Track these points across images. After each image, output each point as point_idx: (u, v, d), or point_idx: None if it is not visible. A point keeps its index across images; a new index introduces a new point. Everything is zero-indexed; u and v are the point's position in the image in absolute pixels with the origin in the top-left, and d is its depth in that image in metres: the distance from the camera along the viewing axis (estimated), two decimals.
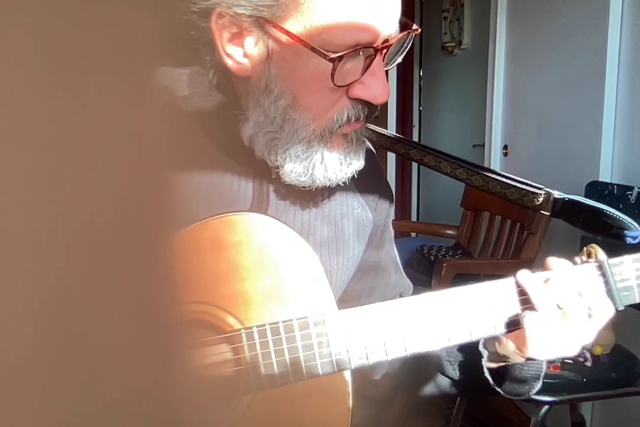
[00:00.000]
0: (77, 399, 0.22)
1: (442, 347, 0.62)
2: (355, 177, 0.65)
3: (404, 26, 0.60)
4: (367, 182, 0.74)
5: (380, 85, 0.59)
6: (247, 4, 0.55)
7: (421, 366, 0.74)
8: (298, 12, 0.55)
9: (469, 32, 3.27)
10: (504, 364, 0.68)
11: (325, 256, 0.70)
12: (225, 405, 0.59)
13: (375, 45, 0.57)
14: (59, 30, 0.20)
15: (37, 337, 0.21)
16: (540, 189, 0.69)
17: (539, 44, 2.23)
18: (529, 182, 0.70)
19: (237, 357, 0.59)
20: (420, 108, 4.02)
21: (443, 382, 0.74)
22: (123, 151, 0.23)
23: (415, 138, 3.93)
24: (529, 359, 0.64)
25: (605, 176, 1.87)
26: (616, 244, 0.64)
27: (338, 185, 0.64)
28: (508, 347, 0.64)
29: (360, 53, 0.57)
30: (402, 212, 3.96)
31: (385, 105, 3.37)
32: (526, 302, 0.61)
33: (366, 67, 0.58)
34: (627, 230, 0.64)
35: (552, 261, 0.62)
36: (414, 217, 4.09)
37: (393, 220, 0.83)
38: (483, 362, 0.67)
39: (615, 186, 1.73)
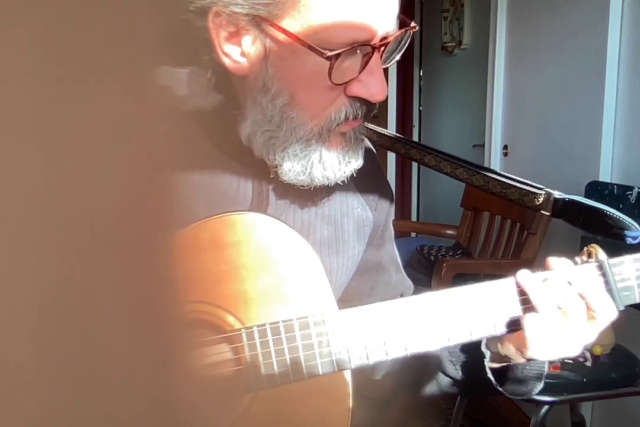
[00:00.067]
0: (77, 398, 0.22)
1: (443, 348, 0.62)
2: (355, 176, 0.65)
3: (402, 24, 0.60)
4: (367, 181, 0.74)
5: (378, 83, 0.58)
6: (243, 3, 0.55)
7: (422, 366, 0.74)
8: (295, 11, 0.54)
9: (469, 32, 3.27)
10: (506, 364, 0.68)
11: (325, 255, 0.70)
12: (225, 405, 0.59)
13: (372, 43, 0.57)
14: (58, 30, 0.20)
15: (38, 337, 0.21)
16: (540, 189, 0.70)
17: (539, 44, 2.23)
18: (529, 182, 0.70)
19: (237, 357, 0.59)
20: (420, 108, 4.02)
21: (444, 381, 0.74)
22: (123, 151, 0.23)
23: (415, 138, 3.93)
24: (530, 359, 0.64)
25: (605, 176, 1.87)
26: (616, 244, 0.64)
27: (338, 184, 0.64)
28: (509, 348, 0.64)
29: (358, 51, 0.57)
30: (402, 212, 3.96)
31: (385, 105, 3.38)
32: (526, 302, 0.61)
33: (364, 65, 0.57)
34: (627, 230, 0.64)
35: (553, 260, 0.62)
36: (414, 217, 4.09)
37: (393, 220, 0.83)
38: (485, 363, 0.67)
39: (615, 186, 1.73)
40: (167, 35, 0.24)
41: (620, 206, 1.67)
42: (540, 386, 0.68)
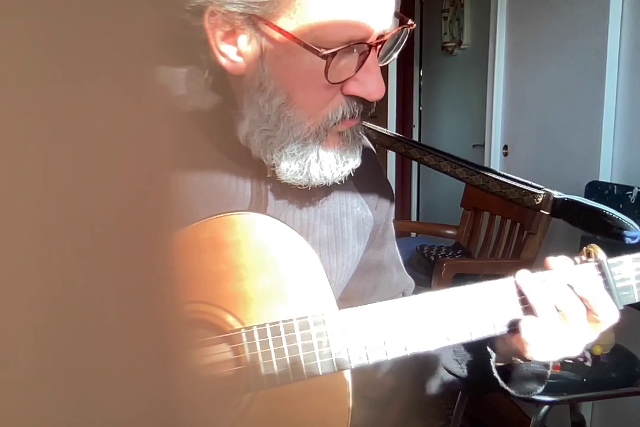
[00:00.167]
0: (77, 398, 0.22)
1: (448, 346, 0.62)
2: (355, 175, 0.64)
3: (399, 21, 0.60)
4: (367, 180, 0.74)
5: (375, 82, 0.58)
6: (238, 2, 0.55)
7: (425, 361, 0.74)
8: (290, 9, 0.54)
9: (469, 32, 3.27)
10: (510, 363, 0.68)
11: (324, 255, 0.70)
12: (225, 404, 0.59)
13: (369, 41, 0.56)
14: (58, 30, 0.20)
15: (37, 337, 0.21)
16: (539, 189, 0.70)
17: (539, 44, 2.23)
18: (529, 182, 0.71)
19: (237, 357, 0.58)
20: (420, 108, 4.02)
21: (447, 376, 0.74)
22: (122, 151, 0.23)
23: (415, 138, 3.93)
24: (530, 359, 0.64)
25: (605, 176, 1.87)
26: (616, 244, 0.64)
27: (337, 184, 0.64)
28: (510, 347, 0.64)
29: (354, 49, 0.56)
30: (402, 212, 3.96)
31: (385, 105, 3.37)
32: (526, 302, 0.61)
33: (360, 64, 0.57)
34: (626, 230, 0.64)
35: (552, 260, 0.62)
36: (414, 217, 4.09)
37: (393, 220, 0.83)
38: (492, 362, 0.67)
39: (615, 186, 1.73)
40: (165, 35, 0.24)
41: (620, 206, 1.67)
42: (544, 383, 0.68)
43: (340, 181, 0.63)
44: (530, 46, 2.29)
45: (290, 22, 0.55)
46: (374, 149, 0.80)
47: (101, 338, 0.22)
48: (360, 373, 0.62)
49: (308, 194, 0.67)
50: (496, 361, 0.67)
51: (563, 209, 0.68)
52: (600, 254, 0.61)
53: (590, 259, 0.62)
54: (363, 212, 0.75)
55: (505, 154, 2.51)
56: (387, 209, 0.79)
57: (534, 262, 1.97)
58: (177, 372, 0.25)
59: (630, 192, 1.66)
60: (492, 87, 2.54)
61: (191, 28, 0.58)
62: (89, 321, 0.22)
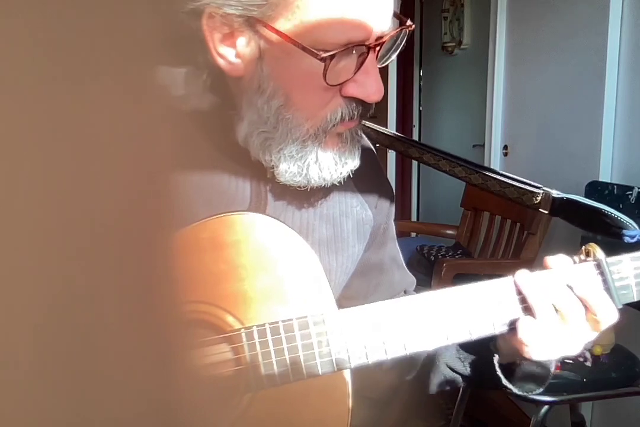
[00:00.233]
0: (77, 398, 0.22)
1: (451, 345, 0.62)
2: (354, 175, 0.64)
3: (398, 22, 0.60)
4: (367, 180, 0.74)
5: (374, 83, 0.58)
6: (236, 4, 0.54)
7: (429, 360, 0.74)
8: (288, 11, 0.54)
9: (469, 32, 3.27)
10: (513, 361, 0.68)
11: (324, 254, 0.70)
12: (225, 404, 0.59)
13: (367, 43, 0.56)
14: (58, 30, 0.20)
15: (38, 337, 0.21)
16: (538, 188, 0.70)
17: (539, 44, 2.23)
18: (528, 181, 0.71)
19: (237, 357, 0.59)
20: (420, 108, 4.02)
21: (451, 375, 0.74)
22: (123, 151, 0.23)
23: (415, 138, 3.93)
24: (529, 358, 0.64)
25: (605, 176, 1.87)
26: (615, 243, 0.64)
27: (336, 184, 0.64)
28: (512, 347, 0.64)
29: (353, 51, 0.56)
30: (402, 212, 3.96)
31: (385, 105, 3.37)
32: (525, 301, 0.61)
33: (359, 66, 0.57)
34: (625, 229, 0.65)
35: (551, 260, 0.62)
36: (414, 217, 4.09)
37: (393, 220, 0.83)
38: (495, 361, 0.67)
39: (615, 186, 1.73)
40: (164, 35, 0.24)
41: (620, 206, 1.67)
42: (547, 381, 0.68)
43: (339, 182, 0.63)
44: (530, 46, 2.29)
45: (289, 24, 0.54)
46: (373, 149, 0.80)
47: (101, 338, 0.22)
48: (361, 373, 0.62)
49: (307, 195, 0.67)
50: (499, 360, 0.68)
51: (562, 208, 0.68)
52: (599, 253, 0.61)
53: (589, 258, 0.62)
54: (363, 211, 0.75)
55: (505, 154, 2.51)
56: (387, 208, 0.79)
57: (534, 262, 1.97)
58: (177, 372, 0.25)
59: (630, 192, 1.66)
60: (492, 87, 2.54)
61: (189, 30, 0.57)
62: (89, 321, 0.22)
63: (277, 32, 0.55)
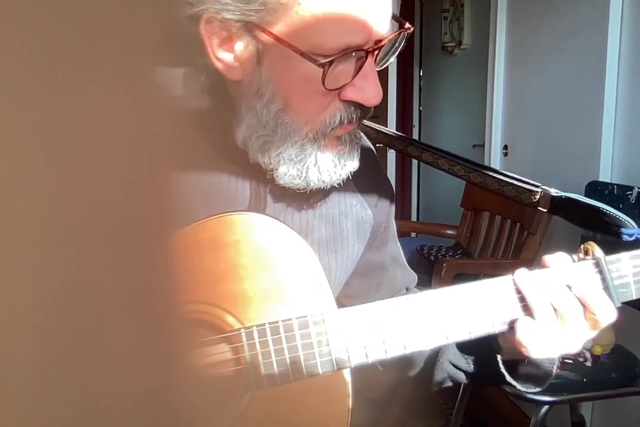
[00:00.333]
0: (77, 398, 0.22)
1: (453, 343, 0.62)
2: (354, 175, 0.65)
3: (397, 25, 0.60)
4: (366, 180, 0.75)
5: (372, 87, 0.58)
6: (234, 9, 0.54)
7: (432, 357, 0.74)
8: (286, 17, 0.54)
9: (469, 32, 3.27)
10: (516, 358, 0.68)
11: (324, 254, 0.70)
12: (225, 404, 0.59)
13: (366, 48, 0.56)
14: (58, 30, 0.20)
15: (37, 337, 0.21)
16: (537, 186, 0.70)
17: (539, 44, 2.23)
18: (527, 180, 0.71)
19: (236, 357, 0.59)
20: (420, 108, 4.02)
21: (454, 372, 0.74)
22: (123, 151, 0.23)
23: (415, 138, 3.93)
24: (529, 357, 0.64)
25: (605, 176, 1.87)
26: (614, 242, 0.64)
27: (336, 185, 0.64)
28: (512, 345, 0.64)
29: (352, 55, 0.56)
30: (402, 212, 3.96)
31: (385, 105, 3.37)
32: (524, 299, 0.61)
33: (358, 70, 0.57)
34: (623, 227, 0.65)
35: (549, 258, 0.62)
36: (414, 217, 4.09)
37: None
38: (499, 358, 0.67)
39: (615, 186, 1.73)
40: (164, 37, 0.24)
41: (620, 206, 1.67)
42: (550, 378, 0.68)
43: (338, 184, 0.64)
44: (530, 46, 2.29)
45: (287, 29, 0.54)
46: (373, 149, 0.80)
47: (101, 338, 0.22)
48: (361, 372, 0.62)
49: (307, 196, 0.67)
50: (502, 357, 0.68)
51: (560, 207, 0.68)
52: (598, 251, 0.62)
53: (587, 257, 0.62)
54: (362, 210, 0.75)
55: (505, 154, 2.51)
56: (388, 207, 0.80)
57: (534, 262, 1.97)
58: (177, 372, 0.25)
59: (630, 192, 1.66)
60: (492, 87, 2.54)
61: (188, 33, 0.58)
62: (89, 321, 0.22)
63: (275, 37, 0.55)
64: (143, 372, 0.24)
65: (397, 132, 0.77)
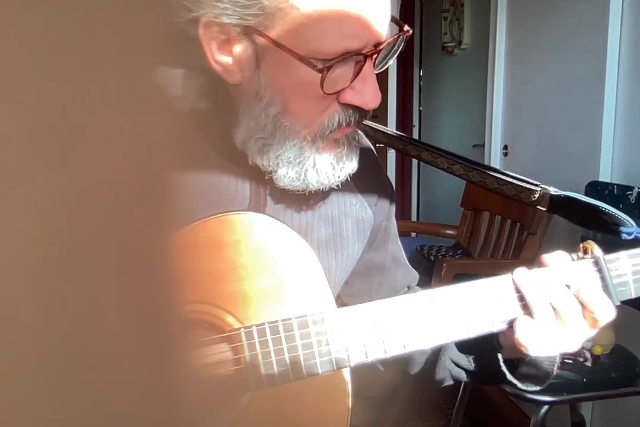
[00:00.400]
0: (76, 399, 0.22)
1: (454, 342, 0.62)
2: (354, 175, 0.65)
3: (396, 27, 0.60)
4: (366, 179, 0.75)
5: (371, 91, 0.58)
6: (233, 14, 0.54)
7: (434, 356, 0.75)
8: (285, 21, 0.54)
9: (469, 32, 3.27)
10: (517, 356, 0.68)
11: (323, 254, 0.71)
12: (225, 404, 0.59)
13: (365, 52, 0.56)
14: (58, 30, 0.20)
15: (37, 337, 0.21)
16: (536, 185, 0.70)
17: (539, 44, 2.23)
18: (526, 179, 0.71)
19: (236, 357, 0.59)
20: (420, 108, 4.02)
21: (455, 370, 0.75)
22: (123, 151, 0.23)
23: (415, 138, 3.92)
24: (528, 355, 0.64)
25: (605, 176, 1.87)
26: (613, 242, 0.64)
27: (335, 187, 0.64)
28: (512, 344, 0.64)
29: (351, 58, 0.56)
30: (402, 212, 3.96)
31: (385, 105, 3.37)
32: (523, 298, 0.61)
33: (356, 73, 0.57)
34: (622, 226, 0.65)
35: (548, 257, 0.63)
36: (414, 217, 4.09)
37: None
38: (499, 357, 0.67)
39: (615, 186, 1.73)
40: (164, 38, 0.24)
41: (620, 206, 1.67)
42: (552, 376, 0.68)
43: (337, 186, 0.64)
44: (530, 46, 2.30)
45: (285, 33, 0.54)
46: (373, 149, 0.80)
47: (101, 338, 0.22)
48: (361, 372, 0.62)
49: (306, 197, 0.67)
50: (503, 355, 0.68)
51: (560, 205, 0.68)
52: (597, 250, 0.62)
53: (586, 256, 0.63)
54: (362, 209, 0.76)
55: (505, 154, 2.51)
56: (388, 206, 0.80)
57: (534, 263, 1.96)
58: (177, 372, 0.25)
59: (630, 192, 1.66)
60: (492, 87, 2.54)
61: (187, 37, 0.58)
62: (89, 321, 0.22)
63: (274, 41, 0.55)
64: (143, 372, 0.24)
65: (396, 131, 0.77)
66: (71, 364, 0.22)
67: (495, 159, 2.56)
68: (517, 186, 0.70)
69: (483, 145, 2.71)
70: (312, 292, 0.61)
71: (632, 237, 0.64)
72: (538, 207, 0.70)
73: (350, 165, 0.63)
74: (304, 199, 0.68)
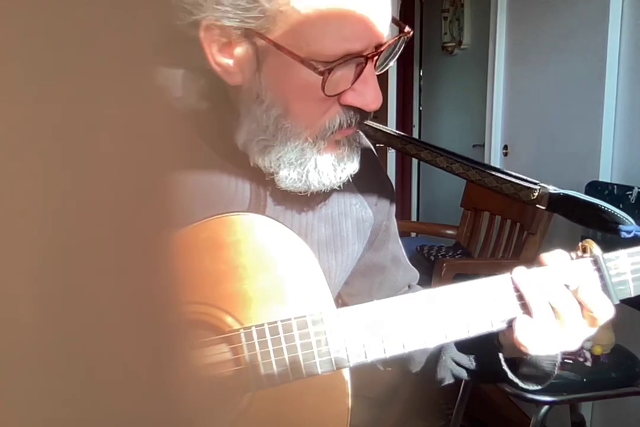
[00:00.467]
0: (77, 399, 0.22)
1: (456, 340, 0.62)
2: (354, 175, 0.65)
3: (396, 28, 0.60)
4: (366, 179, 0.75)
5: (372, 92, 0.58)
6: (234, 17, 0.54)
7: (436, 355, 0.75)
8: (286, 24, 0.54)
9: (469, 32, 3.27)
10: (517, 355, 0.68)
11: (323, 254, 0.71)
12: (225, 404, 0.59)
13: (365, 54, 0.56)
14: (59, 31, 0.20)
15: (37, 338, 0.21)
16: (535, 184, 0.70)
17: (539, 44, 2.23)
18: (525, 178, 0.71)
19: (236, 357, 0.59)
20: (420, 108, 4.02)
21: (456, 369, 0.75)
22: (123, 151, 0.23)
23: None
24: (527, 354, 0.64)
25: (605, 176, 1.87)
26: (612, 241, 0.64)
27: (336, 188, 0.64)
28: (510, 344, 0.64)
29: (352, 60, 0.56)
30: (402, 212, 3.96)
31: (385, 105, 3.37)
32: (522, 298, 0.61)
33: (357, 75, 0.57)
34: (621, 224, 0.65)
35: (547, 256, 0.63)
36: (414, 217, 4.09)
37: None
38: (500, 356, 0.68)
39: (615, 186, 1.73)
40: (164, 39, 0.24)
41: (620, 206, 1.67)
42: (553, 375, 0.68)
43: (339, 186, 0.64)
44: (530, 46, 2.29)
45: (286, 36, 0.54)
46: (373, 149, 0.80)
47: (101, 339, 0.22)
48: (361, 372, 0.62)
49: (307, 198, 0.67)
50: (504, 354, 0.68)
51: (559, 204, 0.68)
52: (596, 249, 0.62)
53: (585, 255, 0.63)
54: (362, 209, 0.76)
55: (505, 154, 2.51)
56: (388, 206, 0.80)
57: (534, 262, 1.96)
58: (177, 372, 0.25)
59: (630, 192, 1.66)
60: (492, 87, 2.54)
61: (187, 39, 0.58)
62: (89, 321, 0.22)
63: (274, 44, 0.55)
64: (143, 372, 0.24)
65: (396, 131, 0.77)
66: (71, 364, 0.22)
67: (495, 159, 2.56)
68: (516, 185, 0.71)
69: (483, 145, 2.71)
70: (312, 292, 0.61)
71: (631, 235, 0.64)
72: (537, 205, 0.70)
73: (352, 166, 0.64)
74: (305, 200, 0.68)
